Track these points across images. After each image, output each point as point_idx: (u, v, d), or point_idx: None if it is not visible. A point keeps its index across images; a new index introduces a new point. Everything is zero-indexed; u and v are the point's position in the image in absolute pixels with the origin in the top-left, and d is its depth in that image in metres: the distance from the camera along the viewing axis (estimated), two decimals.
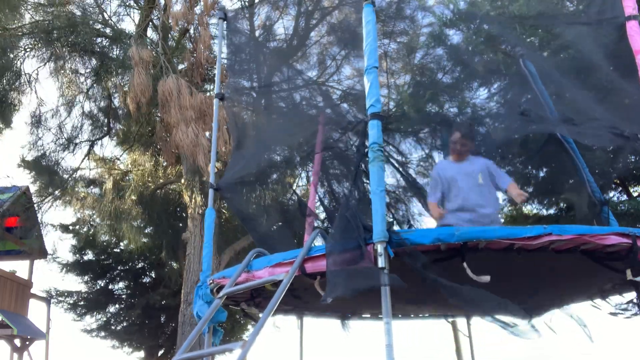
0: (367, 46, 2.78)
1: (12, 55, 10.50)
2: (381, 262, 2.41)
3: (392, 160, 5.66)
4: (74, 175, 11.91)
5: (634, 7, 3.02)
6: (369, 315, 4.95)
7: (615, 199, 7.46)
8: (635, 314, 3.25)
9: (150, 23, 11.28)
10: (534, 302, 4.24)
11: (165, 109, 8.87)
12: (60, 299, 14.95)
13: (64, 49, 10.46)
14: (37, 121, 11.57)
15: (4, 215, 11.80)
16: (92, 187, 12.73)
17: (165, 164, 12.05)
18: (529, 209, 7.88)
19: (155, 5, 10.89)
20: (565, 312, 4.02)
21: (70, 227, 14.69)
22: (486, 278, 2.48)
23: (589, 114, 3.37)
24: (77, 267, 15.18)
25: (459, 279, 2.51)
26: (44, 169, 11.67)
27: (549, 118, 4.00)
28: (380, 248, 2.43)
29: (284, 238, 4.44)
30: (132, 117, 10.23)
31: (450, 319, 5.35)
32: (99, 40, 11.08)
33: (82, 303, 15.14)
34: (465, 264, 2.52)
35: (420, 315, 5.09)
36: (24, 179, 12.27)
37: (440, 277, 2.37)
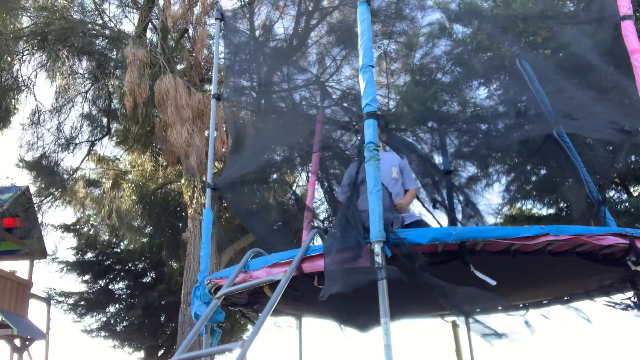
0: (362, 45, 2.78)
1: (10, 59, 10.50)
2: (378, 261, 2.40)
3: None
4: (73, 176, 11.92)
5: (628, 7, 3.01)
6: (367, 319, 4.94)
7: (615, 198, 7.45)
8: (632, 307, 3.25)
9: (150, 24, 11.28)
10: (532, 301, 4.24)
11: (162, 108, 8.86)
12: (60, 299, 14.97)
13: (63, 51, 10.46)
14: (36, 122, 11.57)
15: (4, 215, 11.80)
16: (92, 187, 12.73)
17: (165, 163, 12.05)
18: (527, 207, 7.88)
19: (154, 5, 10.89)
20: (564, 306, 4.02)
21: (71, 227, 14.69)
22: (492, 282, 2.46)
23: (588, 109, 3.38)
24: (77, 267, 15.20)
25: (459, 279, 2.51)
26: (44, 169, 11.67)
27: (547, 116, 4.00)
28: (377, 248, 2.43)
29: (286, 235, 4.44)
30: (128, 117, 10.22)
31: (449, 319, 5.33)
32: (97, 41, 11.08)
33: (82, 303, 15.15)
34: (470, 265, 2.50)
35: (419, 315, 5.08)
36: (24, 179, 12.28)
37: (433, 278, 2.36)
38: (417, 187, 4.18)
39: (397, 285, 2.38)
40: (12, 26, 10.47)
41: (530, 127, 4.18)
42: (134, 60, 8.79)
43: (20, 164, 11.86)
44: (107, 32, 11.13)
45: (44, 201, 11.85)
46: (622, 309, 3.28)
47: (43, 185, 11.85)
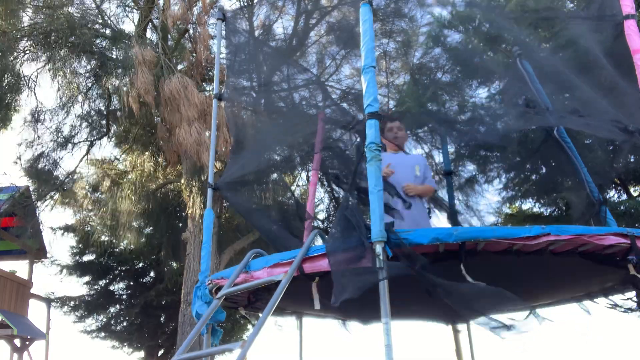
0: (364, 45, 2.78)
1: (11, 58, 10.50)
2: (379, 262, 2.40)
3: None
4: (72, 176, 11.91)
5: (631, 6, 3.01)
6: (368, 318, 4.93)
7: (615, 198, 7.45)
8: (633, 310, 3.25)
9: (150, 23, 11.29)
10: (531, 302, 4.23)
11: (168, 108, 8.87)
12: (60, 302, 14.96)
13: (63, 51, 10.46)
14: (35, 122, 11.56)
15: (3, 215, 11.79)
16: (90, 187, 12.73)
17: (164, 163, 12.05)
18: (527, 207, 7.88)
19: (154, 5, 10.89)
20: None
21: (70, 228, 14.69)
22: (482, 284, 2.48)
23: (594, 107, 3.37)
24: (77, 268, 15.20)
25: (460, 278, 2.51)
26: (43, 169, 11.67)
27: (551, 113, 3.99)
28: (378, 248, 2.43)
29: (290, 234, 4.42)
30: (134, 117, 10.23)
31: (449, 324, 5.32)
32: (98, 41, 11.08)
33: (82, 306, 15.15)
34: (462, 267, 2.51)
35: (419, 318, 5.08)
36: (23, 179, 12.27)
37: (436, 277, 2.36)
38: (436, 188, 4.22)
39: (399, 285, 2.38)
40: (12, 26, 10.46)
41: (533, 122, 4.17)
42: (143, 61, 8.80)
43: (19, 164, 11.87)
44: (107, 31, 11.13)
45: (43, 201, 11.85)
46: (624, 311, 3.28)
47: (41, 185, 11.85)
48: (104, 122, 12.03)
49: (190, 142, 8.44)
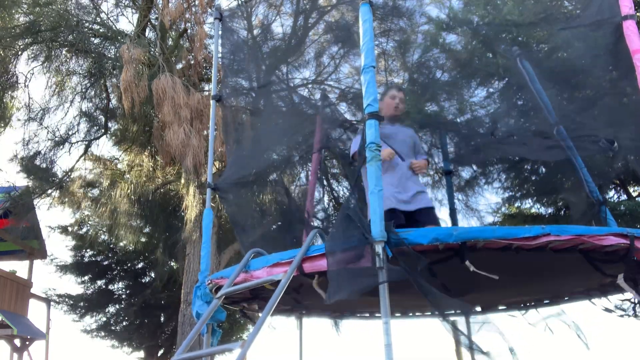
0: (364, 45, 2.78)
1: (3, 54, 10.47)
2: (379, 262, 2.40)
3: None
4: (71, 175, 11.89)
5: (630, 7, 3.01)
6: (367, 315, 4.94)
7: (614, 199, 7.45)
8: (630, 314, 3.25)
9: (149, 24, 11.28)
10: (530, 299, 4.24)
11: (160, 107, 8.82)
12: (59, 299, 14.96)
13: (60, 49, 10.45)
14: (32, 120, 11.54)
15: (3, 215, 11.78)
16: (89, 187, 12.71)
17: (163, 163, 12.04)
18: (527, 207, 7.88)
19: (153, 4, 10.88)
20: (561, 318, 4.02)
21: (69, 228, 14.68)
22: (495, 277, 2.50)
23: (575, 118, 3.37)
24: (77, 268, 15.19)
25: (460, 277, 2.51)
26: (41, 169, 11.65)
27: (548, 117, 3.99)
28: (378, 248, 2.43)
29: (277, 245, 4.42)
30: (127, 116, 10.18)
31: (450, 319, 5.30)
32: (96, 40, 11.07)
33: (81, 304, 15.14)
34: (468, 263, 2.51)
35: (419, 313, 5.08)
36: (23, 179, 12.25)
37: (428, 285, 2.36)
38: (429, 161, 4.24)
39: (399, 284, 2.38)
40: (9, 23, 10.43)
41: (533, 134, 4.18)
42: (130, 59, 8.75)
43: (17, 163, 11.85)
44: (105, 30, 11.11)
45: (42, 201, 11.84)
46: (620, 316, 3.28)
47: (39, 185, 11.84)
48: (102, 121, 12.02)
49: (176, 144, 8.36)
